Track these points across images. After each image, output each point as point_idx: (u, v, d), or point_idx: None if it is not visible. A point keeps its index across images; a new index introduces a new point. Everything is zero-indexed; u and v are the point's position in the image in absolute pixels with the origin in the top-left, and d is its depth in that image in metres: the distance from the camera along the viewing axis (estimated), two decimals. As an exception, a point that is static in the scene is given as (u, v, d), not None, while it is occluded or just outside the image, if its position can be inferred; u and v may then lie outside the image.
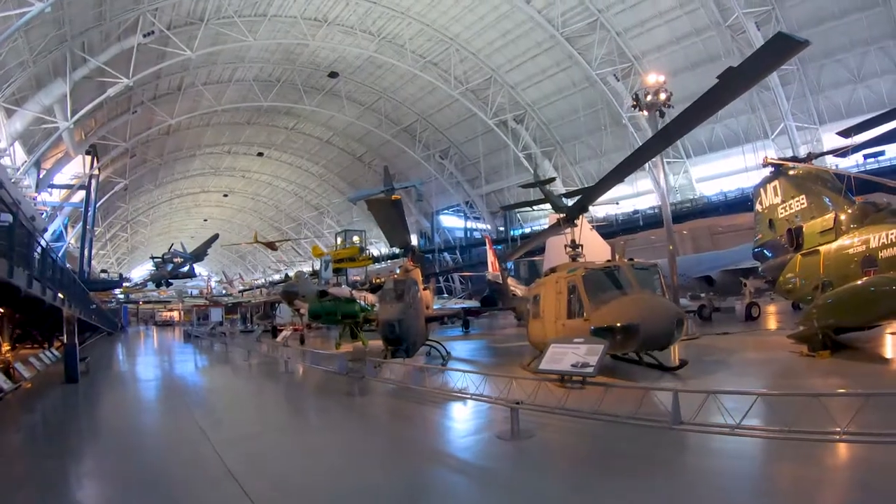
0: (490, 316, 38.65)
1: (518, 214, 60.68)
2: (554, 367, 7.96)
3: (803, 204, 14.11)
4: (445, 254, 66.06)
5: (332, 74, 51.59)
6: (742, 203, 39.09)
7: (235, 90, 51.40)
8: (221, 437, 7.90)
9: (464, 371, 9.28)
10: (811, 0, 34.19)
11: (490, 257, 24.21)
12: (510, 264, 42.40)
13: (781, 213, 14.80)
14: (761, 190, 15.75)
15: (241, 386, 15.13)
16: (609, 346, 8.61)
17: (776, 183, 15.03)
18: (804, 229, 13.82)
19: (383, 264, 67.91)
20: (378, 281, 43.42)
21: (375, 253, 68.61)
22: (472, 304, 33.64)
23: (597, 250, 15.09)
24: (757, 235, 16.12)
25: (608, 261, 11.84)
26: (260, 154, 69.07)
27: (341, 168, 70.65)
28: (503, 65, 47.97)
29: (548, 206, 31.84)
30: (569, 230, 13.17)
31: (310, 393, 13.15)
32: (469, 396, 8.35)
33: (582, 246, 12.79)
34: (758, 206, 15.97)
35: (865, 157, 32.95)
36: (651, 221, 44.46)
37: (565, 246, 12.85)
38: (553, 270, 12.58)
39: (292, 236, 76.91)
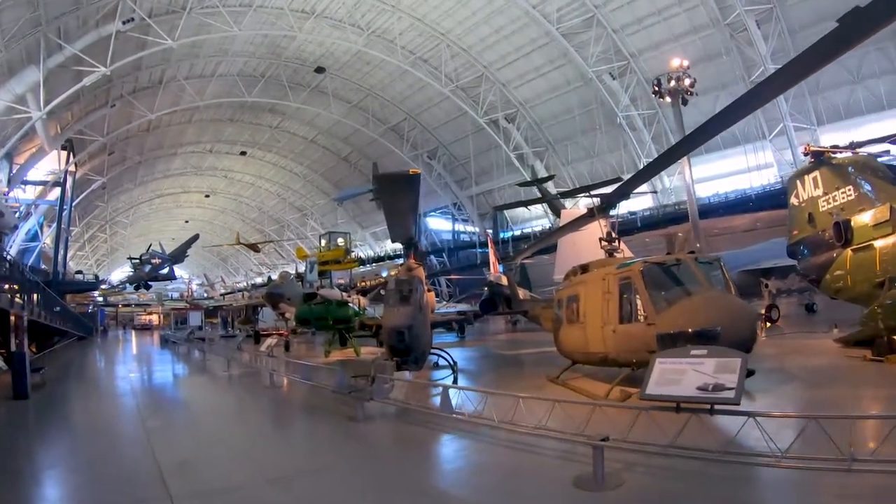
0: (482, 321, 37.05)
1: (507, 216, 59.41)
2: (670, 392, 5.72)
3: (850, 196, 12.85)
4: (432, 256, 64.51)
5: (319, 70, 49.71)
6: (742, 204, 38.30)
7: (218, 85, 49.19)
8: (187, 488, 5.91)
9: (523, 397, 6.92)
10: (812, -2, 33.39)
11: (491, 258, 22.75)
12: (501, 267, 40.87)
13: (823, 206, 13.50)
14: (798, 182, 14.43)
15: (218, 407, 12.61)
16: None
17: (816, 174, 13.73)
18: (852, 223, 12.59)
19: (368, 267, 66.25)
20: (364, 284, 41.66)
21: (361, 255, 66.78)
22: (468, 307, 32.00)
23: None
24: (792, 231, 14.78)
25: (668, 253, 10.35)
26: (243, 153, 66.78)
27: (326, 168, 68.64)
28: (495, 62, 46.55)
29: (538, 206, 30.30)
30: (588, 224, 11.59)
31: (303, 418, 10.88)
32: (530, 430, 6.36)
33: (619, 239, 11.24)
34: (793, 200, 14.64)
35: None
36: (648, 223, 43.45)
37: (600, 239, 11.23)
38: (585, 269, 10.95)
39: (275, 238, 74.73)
